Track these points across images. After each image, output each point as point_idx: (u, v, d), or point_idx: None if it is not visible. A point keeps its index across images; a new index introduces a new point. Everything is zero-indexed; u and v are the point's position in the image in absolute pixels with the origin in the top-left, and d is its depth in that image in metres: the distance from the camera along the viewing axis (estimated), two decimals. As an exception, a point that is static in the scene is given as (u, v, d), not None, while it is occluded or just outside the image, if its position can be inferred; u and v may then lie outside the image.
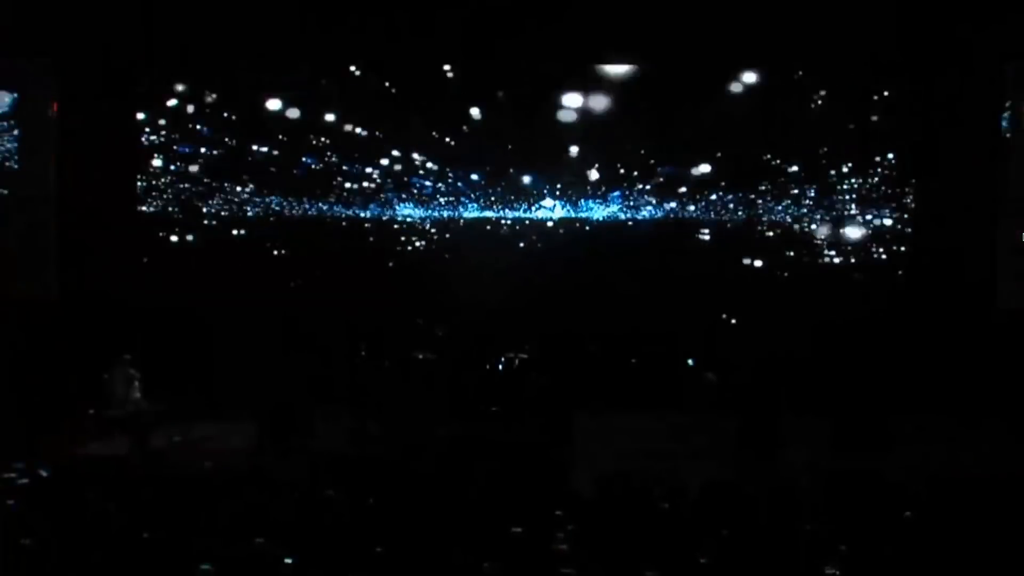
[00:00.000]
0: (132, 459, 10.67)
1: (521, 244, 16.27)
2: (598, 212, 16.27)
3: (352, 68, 14.76)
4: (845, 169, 15.31)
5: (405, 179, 16.24)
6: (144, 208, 15.30)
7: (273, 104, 15.08)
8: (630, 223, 16.20)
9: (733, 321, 14.50)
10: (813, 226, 15.52)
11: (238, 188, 15.99)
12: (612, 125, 15.02)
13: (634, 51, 13.83)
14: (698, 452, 11.34)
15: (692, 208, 16.04)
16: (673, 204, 16.07)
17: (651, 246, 15.84)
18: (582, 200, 16.31)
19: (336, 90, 15.18)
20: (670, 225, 16.01)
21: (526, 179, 16.20)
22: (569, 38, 13.19)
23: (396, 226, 16.36)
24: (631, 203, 16.22)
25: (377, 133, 15.81)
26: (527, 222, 16.39)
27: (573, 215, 16.32)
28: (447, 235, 16.28)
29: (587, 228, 16.31)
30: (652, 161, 15.92)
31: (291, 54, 14.01)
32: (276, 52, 13.92)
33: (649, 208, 16.17)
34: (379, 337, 13.47)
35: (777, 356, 13.33)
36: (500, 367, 13.10)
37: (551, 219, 16.36)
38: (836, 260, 15.12)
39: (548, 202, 16.31)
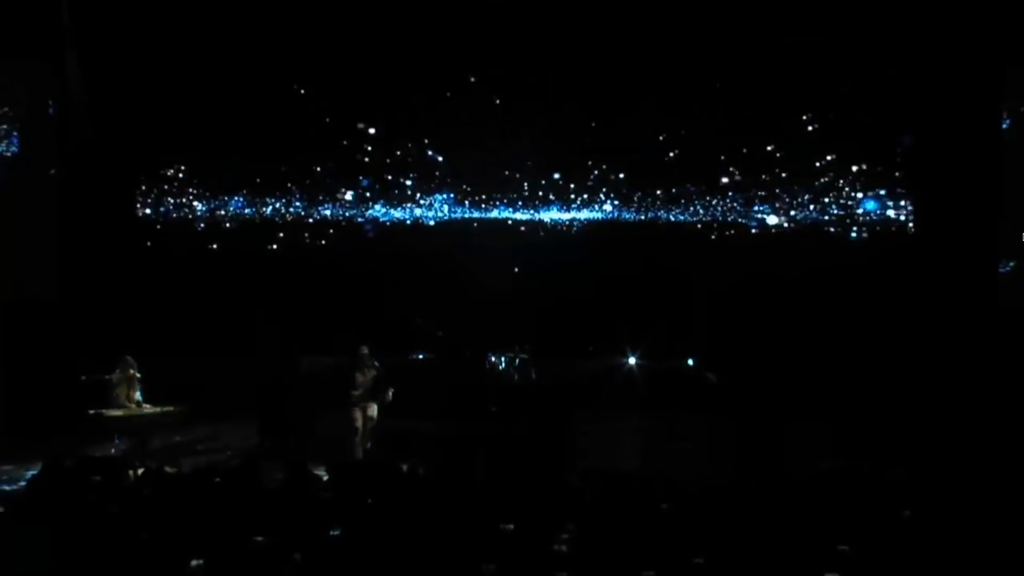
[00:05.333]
0: (132, 459, 10.67)
1: (522, 245, 16.23)
2: (602, 213, 16.24)
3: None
4: (844, 169, 15.31)
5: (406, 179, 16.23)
6: (144, 209, 15.36)
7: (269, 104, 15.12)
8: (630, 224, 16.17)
9: (733, 322, 14.47)
10: (811, 227, 15.53)
11: (239, 188, 16.00)
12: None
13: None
14: (698, 452, 11.33)
15: (688, 208, 16.03)
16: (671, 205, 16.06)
17: (650, 247, 15.83)
18: (588, 201, 16.26)
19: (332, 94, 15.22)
20: (668, 226, 16.00)
21: (531, 179, 16.17)
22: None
23: (395, 227, 16.36)
24: (635, 205, 16.19)
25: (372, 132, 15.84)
26: (529, 222, 16.35)
27: (578, 216, 16.29)
28: (447, 236, 16.25)
29: (588, 229, 16.27)
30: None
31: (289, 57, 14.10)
32: (272, 55, 14.02)
33: (650, 210, 16.16)
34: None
35: (778, 357, 13.33)
36: (500, 367, 13.09)
37: (554, 220, 16.32)
38: (835, 260, 15.11)
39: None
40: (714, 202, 15.89)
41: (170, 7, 13.58)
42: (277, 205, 16.23)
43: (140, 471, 10.25)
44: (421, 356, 14.05)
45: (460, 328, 14.29)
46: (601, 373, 14.00)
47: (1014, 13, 12.23)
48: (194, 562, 5.69)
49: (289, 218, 16.28)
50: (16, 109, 13.32)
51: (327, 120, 15.54)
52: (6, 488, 9.73)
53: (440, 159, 15.90)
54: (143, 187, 15.50)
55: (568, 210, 16.23)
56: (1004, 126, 13.08)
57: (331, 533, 6.43)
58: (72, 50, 13.27)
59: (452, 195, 16.29)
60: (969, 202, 13.15)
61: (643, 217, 16.09)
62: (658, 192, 15.99)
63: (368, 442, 11.87)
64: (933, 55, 13.24)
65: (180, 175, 15.77)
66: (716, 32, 13.55)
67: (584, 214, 16.23)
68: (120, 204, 14.69)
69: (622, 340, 14.14)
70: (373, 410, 11.97)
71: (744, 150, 15.36)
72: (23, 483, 9.22)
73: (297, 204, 16.27)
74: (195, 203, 15.93)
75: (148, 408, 11.50)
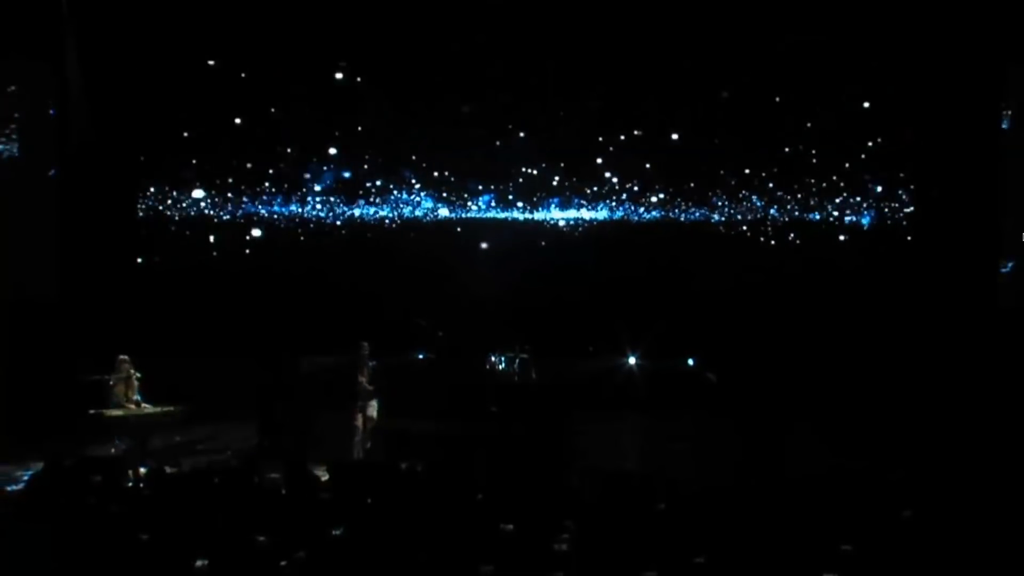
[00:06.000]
0: (132, 459, 10.67)
1: (523, 245, 16.20)
2: (601, 213, 16.21)
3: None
4: (845, 170, 15.32)
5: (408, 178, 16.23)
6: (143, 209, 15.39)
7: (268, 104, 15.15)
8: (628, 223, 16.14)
9: (733, 322, 14.46)
10: (811, 227, 15.54)
11: (237, 188, 16.00)
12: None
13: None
14: (698, 452, 11.34)
15: (687, 208, 16.01)
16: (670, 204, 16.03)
17: (650, 246, 15.82)
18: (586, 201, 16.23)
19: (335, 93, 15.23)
20: (667, 226, 15.99)
21: (532, 179, 16.14)
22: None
23: (396, 226, 16.35)
24: (632, 204, 16.17)
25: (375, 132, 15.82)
26: (530, 223, 16.31)
27: (576, 216, 16.26)
28: (448, 235, 16.24)
29: (587, 229, 16.25)
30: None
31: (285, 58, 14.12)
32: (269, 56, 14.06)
33: (647, 209, 16.14)
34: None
35: (777, 357, 13.33)
36: (500, 367, 13.09)
37: (554, 220, 16.28)
38: (835, 260, 15.12)
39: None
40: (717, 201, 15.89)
41: (170, 7, 13.59)
42: (274, 204, 16.22)
43: (140, 471, 10.27)
44: (421, 356, 14.06)
45: (460, 328, 14.29)
46: (601, 373, 14.01)
47: (1014, 13, 12.23)
48: (199, 563, 5.68)
49: (287, 217, 16.26)
50: (16, 109, 13.32)
51: (328, 120, 15.56)
52: (6, 488, 9.71)
53: (442, 158, 15.89)
54: (143, 187, 15.49)
55: (571, 209, 16.20)
56: (1004, 126, 13.09)
57: (333, 533, 6.44)
58: (72, 50, 13.27)
59: (451, 194, 16.25)
60: (969, 202, 13.16)
61: (646, 217, 16.07)
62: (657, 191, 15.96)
63: (368, 442, 11.87)
64: (933, 55, 13.24)
65: (179, 174, 15.77)
66: (716, 33, 13.54)
67: (588, 214, 16.18)
68: (120, 204, 14.68)
69: (622, 340, 14.16)
70: (373, 410, 11.97)
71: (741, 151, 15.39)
72: (23, 483, 9.21)
73: (295, 204, 16.26)
74: (194, 203, 15.92)
75: (148, 408, 11.50)
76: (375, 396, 11.96)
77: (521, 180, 16.05)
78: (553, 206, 16.19)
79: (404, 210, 16.30)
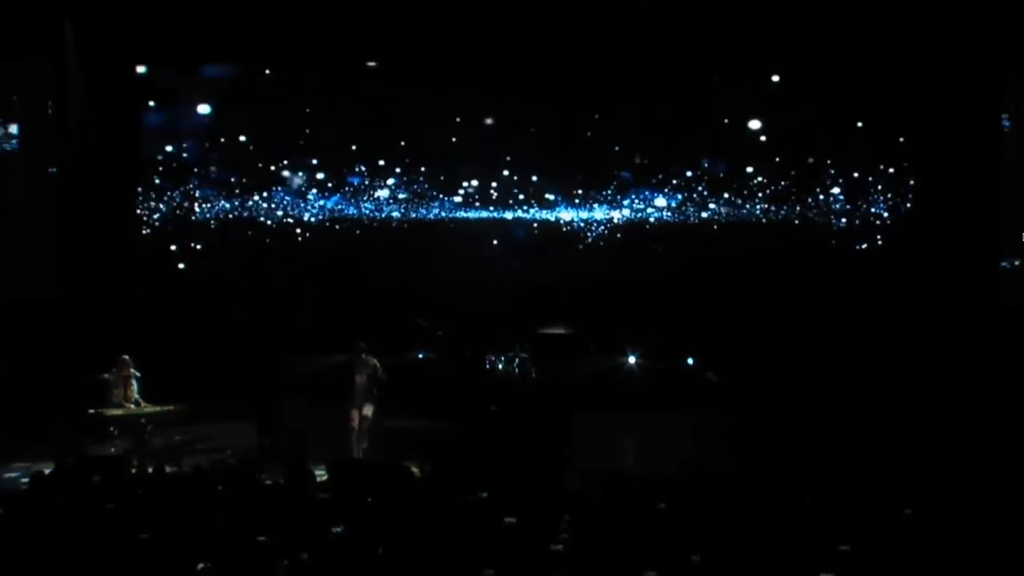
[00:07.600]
0: (132, 459, 10.69)
1: (523, 244, 16.19)
2: (600, 212, 16.20)
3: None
4: (844, 169, 15.31)
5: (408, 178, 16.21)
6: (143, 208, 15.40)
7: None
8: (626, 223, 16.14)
9: (733, 321, 14.46)
10: (812, 226, 15.54)
11: (235, 189, 16.01)
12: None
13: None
14: (696, 451, 11.33)
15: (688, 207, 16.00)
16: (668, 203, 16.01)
17: (650, 246, 15.83)
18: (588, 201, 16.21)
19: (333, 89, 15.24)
20: (668, 225, 15.98)
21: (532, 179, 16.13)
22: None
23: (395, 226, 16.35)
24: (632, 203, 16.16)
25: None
26: (530, 222, 16.30)
27: (577, 216, 16.24)
28: (449, 235, 16.23)
29: (587, 229, 16.25)
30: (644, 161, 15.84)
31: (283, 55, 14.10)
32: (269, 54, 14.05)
33: (649, 209, 16.13)
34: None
35: (777, 355, 13.33)
36: (500, 367, 13.10)
37: (554, 220, 16.27)
38: (835, 260, 15.13)
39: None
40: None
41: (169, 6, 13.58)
42: (273, 204, 16.22)
43: (139, 470, 10.30)
44: (421, 356, 14.07)
45: (460, 328, 14.30)
46: (601, 373, 14.01)
47: (1013, 13, 12.22)
48: (200, 565, 5.69)
49: (287, 215, 16.27)
50: (16, 107, 13.32)
51: (328, 119, 15.56)
52: (6, 488, 9.73)
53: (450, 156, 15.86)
54: (142, 186, 15.51)
55: (574, 209, 16.16)
56: (1004, 126, 13.08)
57: (334, 531, 6.45)
58: (71, 47, 13.26)
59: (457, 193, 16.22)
60: (969, 202, 13.14)
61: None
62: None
63: (365, 441, 11.87)
64: (933, 55, 13.23)
65: (178, 174, 15.78)
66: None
67: (592, 214, 16.15)
68: (120, 204, 14.68)
69: (622, 340, 14.16)
70: (369, 409, 11.97)
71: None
72: (23, 483, 9.22)
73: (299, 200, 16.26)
74: (193, 202, 15.94)
75: (147, 407, 11.53)
76: (371, 396, 11.96)
77: (525, 179, 16.03)
78: (560, 207, 16.17)
79: (398, 208, 16.30)
